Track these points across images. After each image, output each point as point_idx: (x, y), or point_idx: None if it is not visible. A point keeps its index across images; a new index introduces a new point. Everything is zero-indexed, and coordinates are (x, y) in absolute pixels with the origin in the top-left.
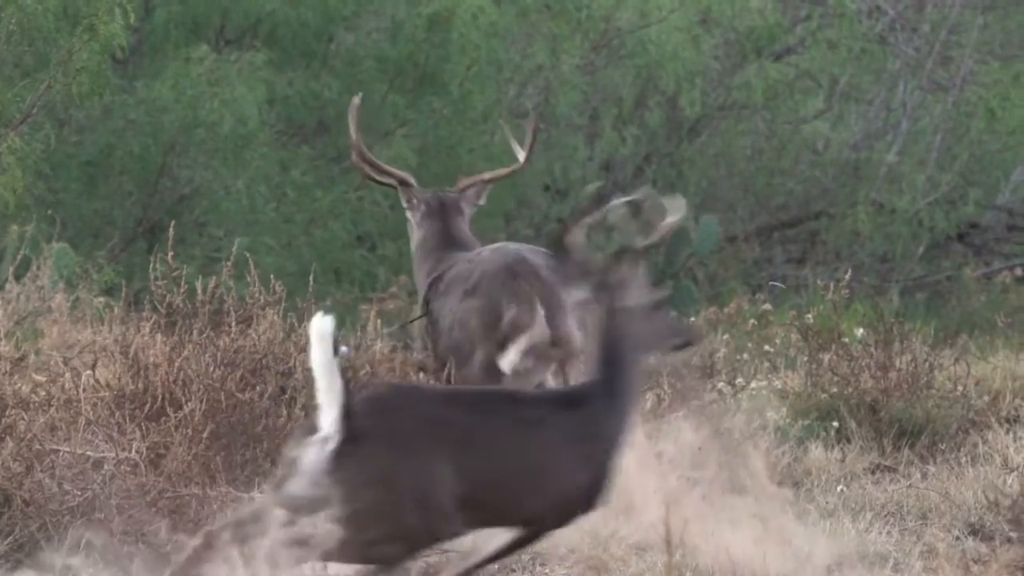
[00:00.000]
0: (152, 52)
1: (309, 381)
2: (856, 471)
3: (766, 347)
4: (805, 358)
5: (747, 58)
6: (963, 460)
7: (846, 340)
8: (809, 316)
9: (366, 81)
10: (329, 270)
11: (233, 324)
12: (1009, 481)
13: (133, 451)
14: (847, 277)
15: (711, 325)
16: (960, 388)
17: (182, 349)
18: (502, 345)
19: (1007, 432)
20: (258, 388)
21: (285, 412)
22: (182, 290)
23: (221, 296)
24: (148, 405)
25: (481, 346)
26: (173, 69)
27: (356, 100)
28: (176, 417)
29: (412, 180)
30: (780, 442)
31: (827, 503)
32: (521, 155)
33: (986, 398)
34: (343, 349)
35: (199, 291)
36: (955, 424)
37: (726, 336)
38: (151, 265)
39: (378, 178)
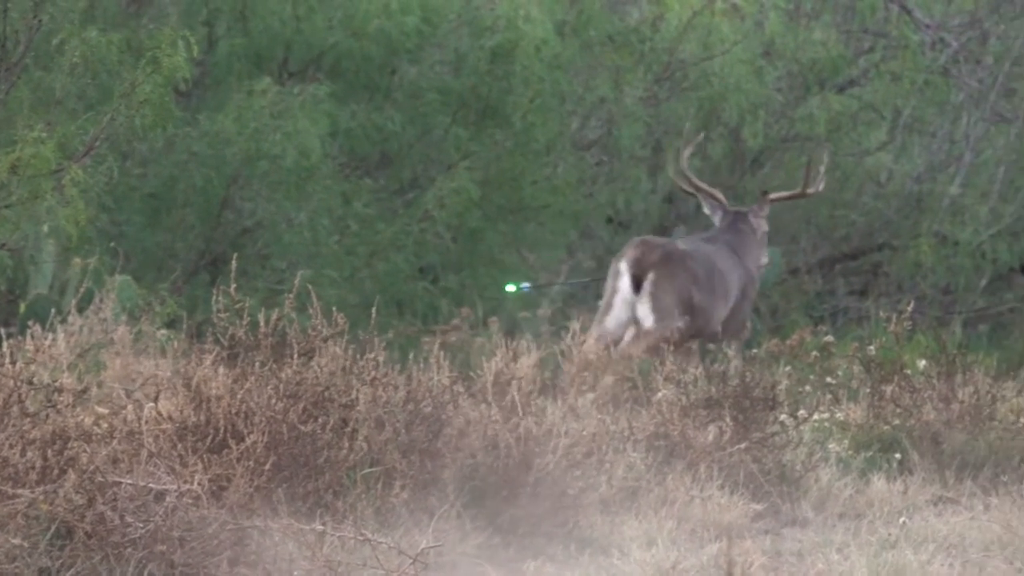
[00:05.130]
0: (215, 85)
1: (371, 413)
2: (918, 503)
3: (828, 379)
4: (867, 390)
5: (810, 90)
6: None
7: (908, 372)
8: (871, 348)
9: (429, 113)
10: (391, 302)
11: (295, 356)
12: None
13: (195, 483)
14: (909, 309)
15: (773, 357)
16: (1023, 420)
17: (244, 381)
18: None
19: None
20: (320, 420)
21: (347, 444)
22: (244, 322)
23: (283, 328)
24: (210, 437)
25: None
26: (236, 102)
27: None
28: (238, 449)
29: (720, 195)
30: (842, 474)
31: (889, 535)
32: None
33: None
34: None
35: (261, 323)
36: (1018, 456)
37: (788, 368)
38: (214, 297)
39: (688, 189)
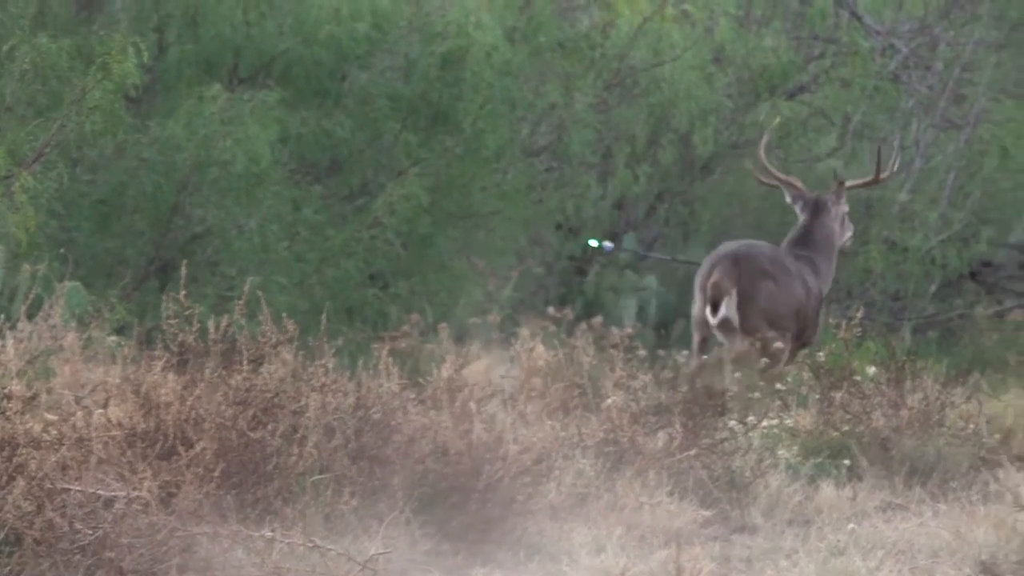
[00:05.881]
0: (165, 91)
1: (320, 420)
2: (867, 509)
3: (778, 385)
4: (817, 396)
5: (760, 96)
6: (974, 498)
7: (858, 378)
8: (821, 354)
9: (379, 119)
10: (341, 309)
11: (245, 363)
12: (1020, 519)
13: (144, 490)
14: (859, 315)
15: (723, 363)
16: (972, 426)
17: (194, 388)
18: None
19: (1018, 470)
20: (269, 427)
21: (296, 451)
22: (194, 329)
23: (233, 335)
24: (159, 444)
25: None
26: (186, 108)
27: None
28: (187, 456)
29: (799, 184)
30: (791, 480)
31: (838, 541)
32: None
33: (997, 436)
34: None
35: (211, 330)
36: (966, 462)
37: (738, 374)
38: (163, 304)
39: (767, 181)
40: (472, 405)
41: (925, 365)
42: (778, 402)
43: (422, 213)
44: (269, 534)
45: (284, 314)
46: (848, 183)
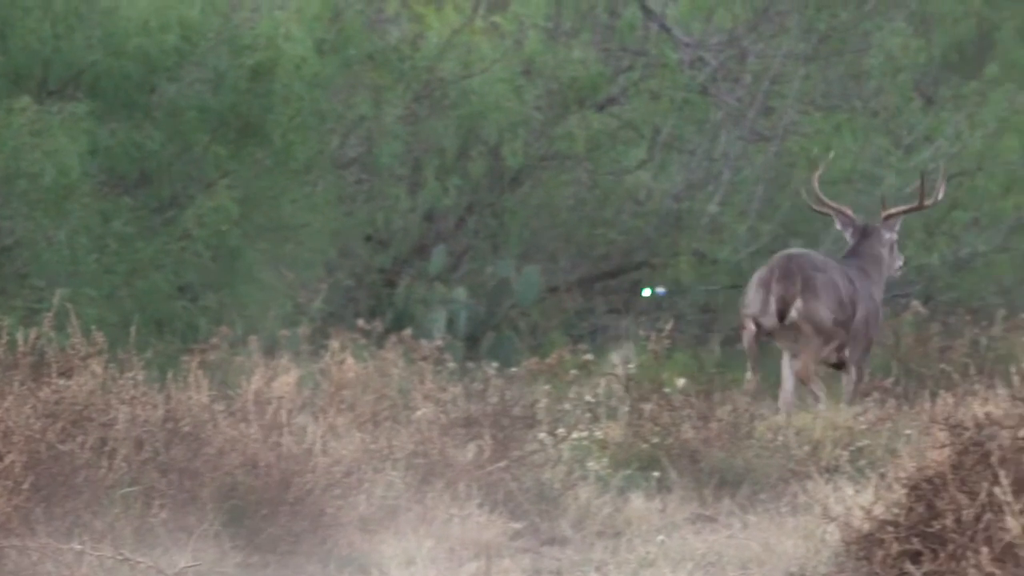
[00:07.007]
0: None
1: (130, 432)
2: (676, 521)
3: (587, 397)
4: (626, 408)
5: (569, 108)
6: (783, 510)
7: (667, 390)
8: (631, 366)
9: (188, 132)
10: (151, 321)
11: (54, 375)
12: (829, 531)
13: None
14: (668, 327)
15: (532, 376)
16: (780, 438)
17: (2, 400)
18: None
19: (827, 482)
20: (79, 439)
21: (106, 463)
22: (2, 341)
23: (42, 347)
24: None
25: None
26: None
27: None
28: None
29: (849, 212)
30: (601, 492)
31: (648, 553)
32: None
33: (806, 448)
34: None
35: (20, 342)
36: (775, 474)
37: (548, 386)
38: None
39: (820, 209)
40: (282, 417)
41: (734, 377)
42: (588, 414)
43: (231, 225)
44: (78, 547)
45: (93, 326)
46: (892, 211)
